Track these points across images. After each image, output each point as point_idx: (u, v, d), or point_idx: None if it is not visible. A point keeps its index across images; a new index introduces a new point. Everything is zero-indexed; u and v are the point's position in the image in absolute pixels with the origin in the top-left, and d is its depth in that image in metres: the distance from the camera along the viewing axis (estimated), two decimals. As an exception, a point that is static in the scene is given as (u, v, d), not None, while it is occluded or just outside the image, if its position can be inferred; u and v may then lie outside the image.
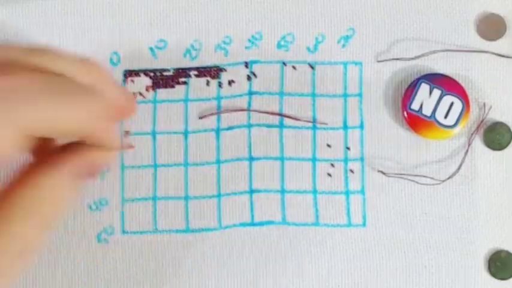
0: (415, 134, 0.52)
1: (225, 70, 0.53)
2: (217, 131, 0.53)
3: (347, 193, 0.53)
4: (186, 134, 0.53)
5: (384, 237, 0.52)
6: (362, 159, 0.53)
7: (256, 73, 0.53)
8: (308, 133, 0.53)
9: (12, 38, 0.54)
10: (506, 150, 0.52)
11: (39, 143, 0.42)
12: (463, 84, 0.52)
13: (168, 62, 0.54)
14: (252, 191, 0.53)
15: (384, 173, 0.52)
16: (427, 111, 0.52)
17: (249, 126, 0.53)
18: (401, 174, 0.52)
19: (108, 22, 0.54)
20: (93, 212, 0.53)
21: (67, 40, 0.54)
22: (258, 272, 0.52)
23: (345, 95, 0.53)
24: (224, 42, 0.54)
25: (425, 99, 0.52)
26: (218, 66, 0.54)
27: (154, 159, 0.53)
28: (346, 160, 0.53)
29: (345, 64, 0.53)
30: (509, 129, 0.53)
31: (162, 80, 0.54)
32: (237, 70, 0.53)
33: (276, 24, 0.54)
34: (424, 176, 0.52)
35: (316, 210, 0.52)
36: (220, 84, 0.53)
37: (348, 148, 0.53)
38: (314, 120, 0.53)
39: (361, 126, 0.53)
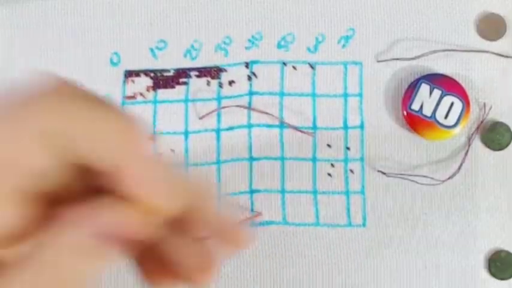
0: (415, 134, 0.52)
1: (225, 70, 0.53)
2: (218, 131, 0.53)
3: (347, 193, 0.53)
4: (186, 134, 0.53)
5: (384, 237, 0.52)
6: (362, 159, 0.53)
7: (256, 73, 0.53)
8: (308, 133, 0.53)
9: (12, 38, 0.54)
10: (506, 150, 0.52)
11: None
12: (463, 84, 0.52)
13: (168, 62, 0.54)
14: (252, 191, 0.53)
15: (383, 173, 0.52)
16: (427, 111, 0.52)
17: (249, 126, 0.53)
18: (401, 174, 0.52)
19: (108, 22, 0.54)
20: (94, 212, 0.53)
21: (67, 40, 0.54)
22: (257, 272, 0.52)
23: (345, 95, 0.53)
24: (224, 42, 0.54)
25: (425, 99, 0.52)
26: (218, 67, 0.54)
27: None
28: (346, 160, 0.53)
29: (345, 64, 0.53)
30: (509, 129, 0.52)
31: (162, 80, 0.54)
32: (237, 70, 0.53)
33: (276, 25, 0.54)
34: (424, 176, 0.52)
35: (316, 210, 0.52)
36: (220, 85, 0.53)
37: (348, 148, 0.53)
38: (314, 130, 0.53)
39: (361, 126, 0.53)
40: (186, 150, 0.53)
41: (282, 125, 0.53)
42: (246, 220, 0.51)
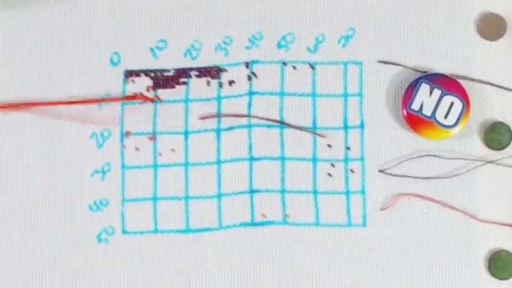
0: (415, 134, 0.52)
1: (226, 70, 0.53)
2: (218, 131, 0.53)
3: (347, 193, 0.53)
4: (186, 134, 0.53)
5: (384, 237, 0.52)
6: (362, 159, 0.53)
7: (256, 73, 0.53)
8: (308, 133, 0.53)
9: (12, 38, 0.54)
10: (506, 150, 0.52)
11: None
12: (463, 84, 0.52)
13: (169, 62, 0.54)
14: (252, 191, 0.53)
15: (384, 173, 0.52)
16: (427, 111, 0.52)
17: (250, 126, 0.53)
18: (401, 174, 0.52)
19: (108, 22, 0.54)
20: (93, 212, 0.53)
21: (67, 40, 0.54)
22: (258, 272, 0.52)
23: (345, 95, 0.53)
24: (224, 42, 0.54)
25: (425, 99, 0.52)
26: (218, 66, 0.54)
27: (154, 159, 0.53)
28: (346, 160, 0.53)
29: (345, 64, 0.53)
30: (509, 129, 0.53)
31: (162, 80, 0.54)
32: (237, 70, 0.53)
33: (276, 24, 0.54)
34: (424, 176, 0.52)
35: (317, 210, 0.52)
36: (220, 85, 0.53)
37: (348, 148, 0.53)
38: (314, 129, 0.53)
39: (361, 126, 0.53)
40: (186, 151, 0.53)
41: (282, 125, 0.53)
42: None
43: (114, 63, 0.54)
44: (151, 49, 0.54)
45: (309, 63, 0.54)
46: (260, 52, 0.54)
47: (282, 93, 0.53)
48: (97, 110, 0.53)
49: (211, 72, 0.54)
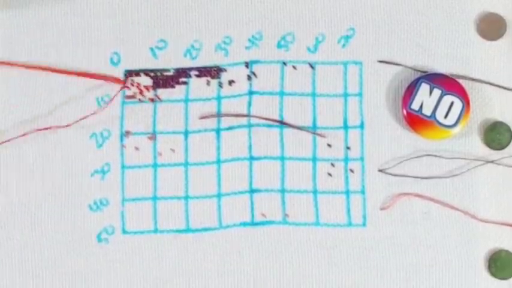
0: (415, 133, 0.52)
1: (225, 70, 0.53)
2: (218, 131, 0.53)
3: (347, 193, 0.53)
4: (186, 134, 0.53)
5: (384, 237, 0.52)
6: (362, 159, 0.53)
7: (256, 73, 0.53)
8: (308, 133, 0.53)
9: (12, 38, 0.54)
10: (506, 150, 0.52)
11: None
12: (463, 84, 0.52)
13: (169, 62, 0.54)
14: (252, 191, 0.53)
15: (384, 173, 0.53)
16: (427, 111, 0.52)
17: (249, 126, 0.53)
18: (401, 174, 0.52)
19: (108, 22, 0.54)
20: (93, 212, 0.53)
21: (67, 40, 0.54)
22: (258, 272, 0.52)
23: (345, 95, 0.53)
24: (224, 42, 0.54)
25: (425, 99, 0.52)
26: (218, 66, 0.54)
27: (154, 159, 0.53)
28: (346, 160, 0.53)
29: (345, 64, 0.53)
30: (509, 129, 0.53)
31: (162, 80, 0.54)
32: (237, 70, 0.53)
33: (276, 24, 0.54)
34: (424, 177, 0.52)
35: (316, 210, 0.52)
36: (220, 84, 0.53)
37: (348, 148, 0.53)
38: (314, 129, 0.53)
39: (361, 126, 0.53)
40: (186, 150, 0.53)
41: (282, 125, 0.53)
42: None
43: (114, 63, 0.54)
44: (151, 49, 0.54)
45: (309, 63, 0.54)
46: (260, 52, 0.54)
47: (281, 93, 0.53)
48: (97, 110, 0.53)
49: (211, 72, 0.54)
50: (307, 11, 0.54)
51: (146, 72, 0.54)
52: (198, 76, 0.54)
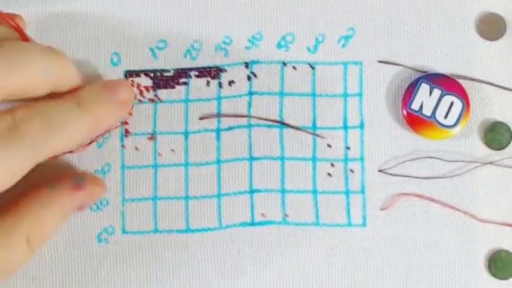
0: (415, 134, 0.52)
1: (225, 70, 0.54)
2: (218, 131, 0.53)
3: (347, 193, 0.53)
4: (186, 134, 0.53)
5: (384, 237, 0.52)
6: (362, 159, 0.53)
7: (256, 73, 0.53)
8: (308, 133, 0.53)
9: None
10: (506, 150, 0.52)
11: None
12: (463, 84, 0.52)
13: (168, 62, 0.54)
14: (252, 191, 0.53)
15: (384, 173, 0.53)
16: (427, 111, 0.52)
17: (249, 126, 0.53)
18: (401, 174, 0.52)
19: (108, 22, 0.54)
20: (93, 212, 0.53)
21: (67, 40, 0.54)
22: (258, 272, 0.52)
23: (345, 95, 0.53)
24: (224, 42, 0.54)
25: (425, 99, 0.52)
26: (218, 67, 0.54)
27: (154, 159, 0.53)
28: (346, 160, 0.53)
29: (345, 64, 0.53)
30: (509, 129, 0.53)
31: (162, 80, 0.54)
32: (237, 70, 0.53)
33: (276, 24, 0.54)
34: (424, 177, 0.52)
35: (316, 210, 0.53)
36: (220, 85, 0.53)
37: (348, 148, 0.53)
38: (314, 129, 0.53)
39: (361, 126, 0.53)
40: (186, 150, 0.53)
41: (282, 124, 0.53)
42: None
43: (114, 63, 0.54)
44: (151, 49, 0.54)
45: (309, 63, 0.54)
46: (260, 52, 0.54)
47: (281, 93, 0.53)
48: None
49: (211, 72, 0.54)
50: (307, 11, 0.54)
51: (146, 72, 0.54)
52: (198, 76, 0.54)
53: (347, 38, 0.54)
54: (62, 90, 0.49)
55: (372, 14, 0.54)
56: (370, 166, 0.53)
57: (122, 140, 0.53)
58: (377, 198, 0.53)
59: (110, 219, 0.53)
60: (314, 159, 0.53)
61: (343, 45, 0.54)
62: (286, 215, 0.53)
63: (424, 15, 0.53)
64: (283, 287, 0.52)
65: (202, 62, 0.54)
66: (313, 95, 0.53)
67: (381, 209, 0.52)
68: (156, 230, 0.53)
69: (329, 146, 0.53)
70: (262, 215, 0.53)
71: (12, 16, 0.50)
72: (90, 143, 0.53)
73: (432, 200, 0.52)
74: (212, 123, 0.53)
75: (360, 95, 0.53)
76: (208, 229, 0.53)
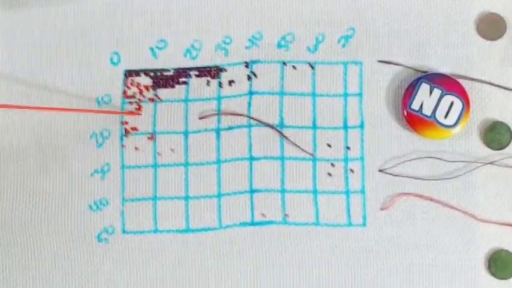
0: (415, 133, 0.52)
1: (225, 70, 0.54)
2: (218, 131, 0.53)
3: (347, 193, 0.53)
4: (186, 134, 0.53)
5: (384, 237, 0.52)
6: (362, 159, 0.53)
7: (256, 73, 0.53)
8: (308, 132, 0.53)
9: (12, 38, 0.54)
10: (506, 150, 0.52)
11: None
12: (463, 84, 0.52)
13: (168, 62, 0.54)
14: (252, 191, 0.53)
15: (384, 173, 0.53)
16: (427, 111, 0.52)
17: (249, 126, 0.53)
18: (401, 174, 0.52)
19: (108, 22, 0.54)
20: (93, 212, 0.53)
21: (67, 40, 0.54)
22: (258, 272, 0.52)
23: (345, 95, 0.53)
24: (224, 42, 0.54)
25: (425, 99, 0.52)
26: (218, 66, 0.54)
27: (154, 159, 0.53)
28: (346, 160, 0.53)
29: (345, 64, 0.53)
30: (509, 129, 0.53)
31: (162, 80, 0.54)
32: (237, 70, 0.53)
33: (276, 24, 0.54)
34: (424, 177, 0.52)
35: (317, 210, 0.52)
36: (220, 84, 0.53)
37: (348, 148, 0.53)
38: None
39: (361, 126, 0.53)
40: (186, 150, 0.53)
41: (282, 124, 0.53)
42: None
43: (114, 63, 0.54)
44: (151, 49, 0.54)
45: (309, 63, 0.54)
46: (260, 52, 0.54)
47: (281, 93, 0.53)
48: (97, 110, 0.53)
49: (211, 72, 0.54)
50: (307, 11, 0.54)
51: (146, 72, 0.54)
52: (198, 76, 0.54)
53: (347, 38, 0.54)
54: None
55: (372, 14, 0.54)
56: (370, 166, 0.53)
57: (121, 139, 0.53)
58: (377, 198, 0.53)
59: (110, 219, 0.53)
60: (314, 159, 0.53)
61: (343, 45, 0.54)
62: (286, 215, 0.53)
63: (424, 15, 0.53)
64: (283, 287, 0.52)
65: (202, 61, 0.54)
66: (313, 94, 0.53)
67: (381, 209, 0.52)
68: (156, 230, 0.53)
69: (329, 145, 0.53)
70: (262, 215, 0.53)
71: None
72: (140, 108, 0.53)
73: (432, 200, 0.52)
74: (212, 123, 0.53)
75: (360, 95, 0.53)
76: (208, 229, 0.53)
